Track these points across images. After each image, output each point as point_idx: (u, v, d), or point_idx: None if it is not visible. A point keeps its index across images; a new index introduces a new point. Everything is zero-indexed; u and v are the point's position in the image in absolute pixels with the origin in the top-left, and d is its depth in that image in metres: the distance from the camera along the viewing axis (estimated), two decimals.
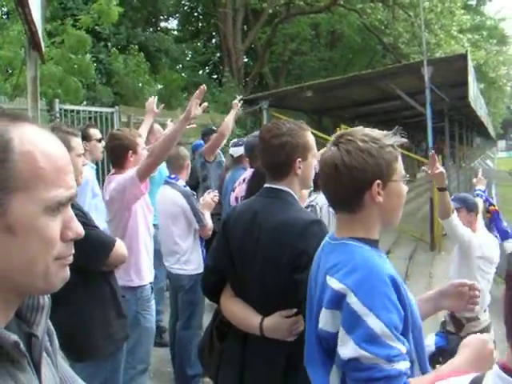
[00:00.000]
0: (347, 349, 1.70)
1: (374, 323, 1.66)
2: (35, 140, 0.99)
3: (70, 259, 1.06)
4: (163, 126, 6.38)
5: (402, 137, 1.94)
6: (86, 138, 4.72)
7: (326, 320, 1.79)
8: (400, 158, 1.93)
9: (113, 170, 4.12)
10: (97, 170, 5.06)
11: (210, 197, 4.80)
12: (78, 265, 2.92)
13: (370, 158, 1.83)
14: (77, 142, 3.31)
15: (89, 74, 11.19)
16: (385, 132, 1.94)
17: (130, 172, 3.69)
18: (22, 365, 1.00)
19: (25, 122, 1.00)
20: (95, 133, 4.85)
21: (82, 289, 3.06)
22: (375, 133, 1.92)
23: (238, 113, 6.19)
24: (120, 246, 3.21)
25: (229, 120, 6.08)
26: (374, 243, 1.91)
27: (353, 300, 1.70)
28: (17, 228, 0.96)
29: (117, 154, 4.01)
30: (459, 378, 1.37)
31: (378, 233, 1.95)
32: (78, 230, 1.05)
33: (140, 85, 16.48)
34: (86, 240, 2.82)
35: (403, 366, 1.67)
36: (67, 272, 1.05)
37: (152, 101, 5.45)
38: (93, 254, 3.04)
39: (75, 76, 10.59)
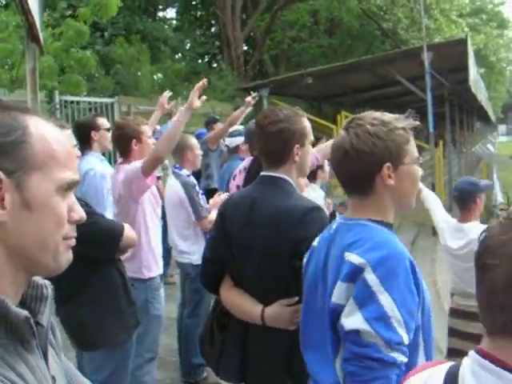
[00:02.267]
0: (352, 320, 1.69)
1: (387, 303, 1.66)
2: (46, 128, 1.10)
3: (74, 242, 1.12)
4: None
5: (415, 120, 1.93)
6: (94, 127, 4.72)
7: (340, 293, 1.77)
8: (412, 141, 1.91)
9: (120, 159, 4.12)
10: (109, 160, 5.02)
11: (221, 198, 4.75)
12: (93, 255, 2.95)
13: (379, 141, 1.82)
14: (68, 134, 3.38)
15: (89, 69, 11.15)
16: (396, 115, 1.93)
17: (136, 164, 3.70)
18: (31, 345, 1.04)
19: (33, 115, 1.10)
20: (103, 122, 4.82)
21: (95, 277, 3.09)
22: (386, 116, 1.90)
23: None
24: (129, 229, 3.23)
25: (239, 113, 6.10)
26: (389, 226, 1.90)
27: (370, 276, 1.69)
28: (33, 204, 1.03)
29: (121, 144, 4.01)
30: (434, 369, 1.33)
31: (392, 216, 1.93)
32: (81, 213, 1.13)
33: (139, 74, 16.46)
34: (96, 228, 2.85)
35: (399, 357, 1.66)
36: (71, 254, 1.12)
37: (166, 96, 5.09)
38: (105, 242, 3.09)
39: (75, 71, 10.55)
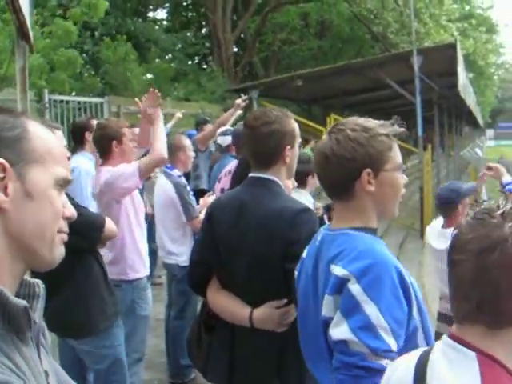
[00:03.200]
0: (339, 330, 1.70)
1: (372, 312, 1.66)
2: (42, 129, 1.19)
3: (66, 237, 1.19)
4: None
5: (401, 127, 1.92)
6: (88, 128, 4.81)
7: (328, 306, 1.78)
8: (396, 148, 1.90)
9: (100, 161, 4.09)
10: None
11: (211, 199, 4.75)
12: (76, 245, 3.03)
13: (359, 147, 1.81)
14: (60, 135, 3.43)
15: (75, 68, 11.17)
16: (381, 122, 1.92)
17: (132, 165, 3.69)
18: (26, 337, 1.07)
19: (30, 118, 1.18)
20: None
21: (79, 269, 3.21)
22: (369, 122, 1.89)
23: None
24: (109, 221, 3.34)
25: (228, 115, 6.13)
26: (372, 232, 1.90)
27: (354, 286, 1.69)
28: (34, 194, 1.11)
29: (101, 145, 3.94)
30: (412, 353, 1.47)
31: (375, 221, 1.93)
32: (73, 211, 1.21)
33: (129, 74, 16.39)
34: (81, 219, 2.94)
35: (388, 364, 1.64)
36: (63, 248, 1.19)
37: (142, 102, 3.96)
38: (89, 232, 3.18)
39: (62, 69, 10.55)
